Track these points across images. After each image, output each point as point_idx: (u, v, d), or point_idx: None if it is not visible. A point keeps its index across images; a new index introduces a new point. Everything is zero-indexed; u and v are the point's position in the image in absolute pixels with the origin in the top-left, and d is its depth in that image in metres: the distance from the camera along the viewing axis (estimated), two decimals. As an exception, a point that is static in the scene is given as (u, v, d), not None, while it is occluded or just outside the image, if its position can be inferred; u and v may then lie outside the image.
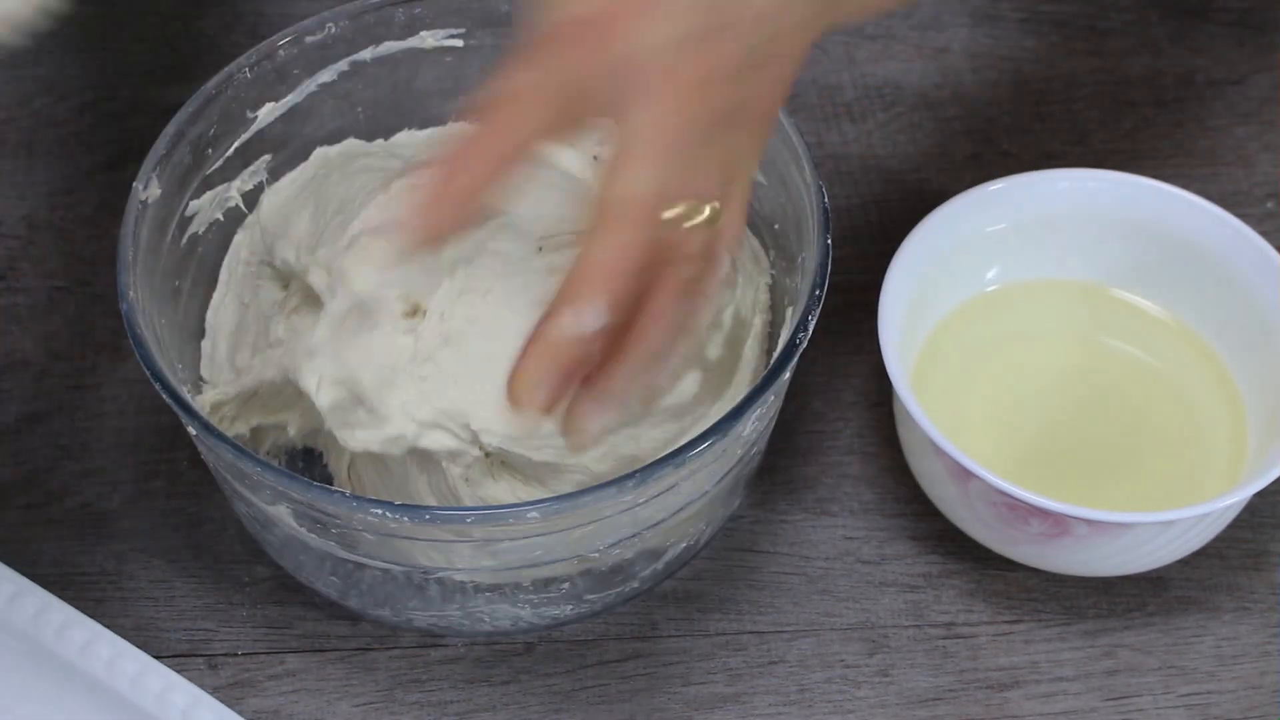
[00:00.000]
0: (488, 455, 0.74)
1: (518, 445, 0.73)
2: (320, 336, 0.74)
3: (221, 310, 0.82)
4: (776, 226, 0.81)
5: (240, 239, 0.83)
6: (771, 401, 0.75)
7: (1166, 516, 0.73)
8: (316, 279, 0.76)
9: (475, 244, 0.75)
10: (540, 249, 0.76)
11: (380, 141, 0.86)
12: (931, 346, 0.83)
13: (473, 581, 0.75)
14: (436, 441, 0.73)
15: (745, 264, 0.82)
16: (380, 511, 0.68)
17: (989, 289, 0.85)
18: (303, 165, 0.84)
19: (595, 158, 0.82)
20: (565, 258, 0.75)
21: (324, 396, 0.73)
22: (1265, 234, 0.82)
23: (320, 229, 0.79)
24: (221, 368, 0.80)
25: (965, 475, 0.74)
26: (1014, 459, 0.79)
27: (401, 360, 0.74)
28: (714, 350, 0.77)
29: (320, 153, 0.85)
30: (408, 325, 0.75)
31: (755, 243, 0.83)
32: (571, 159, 0.81)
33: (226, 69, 0.80)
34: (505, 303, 0.74)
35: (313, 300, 0.77)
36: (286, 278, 0.80)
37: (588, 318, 0.62)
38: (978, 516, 0.77)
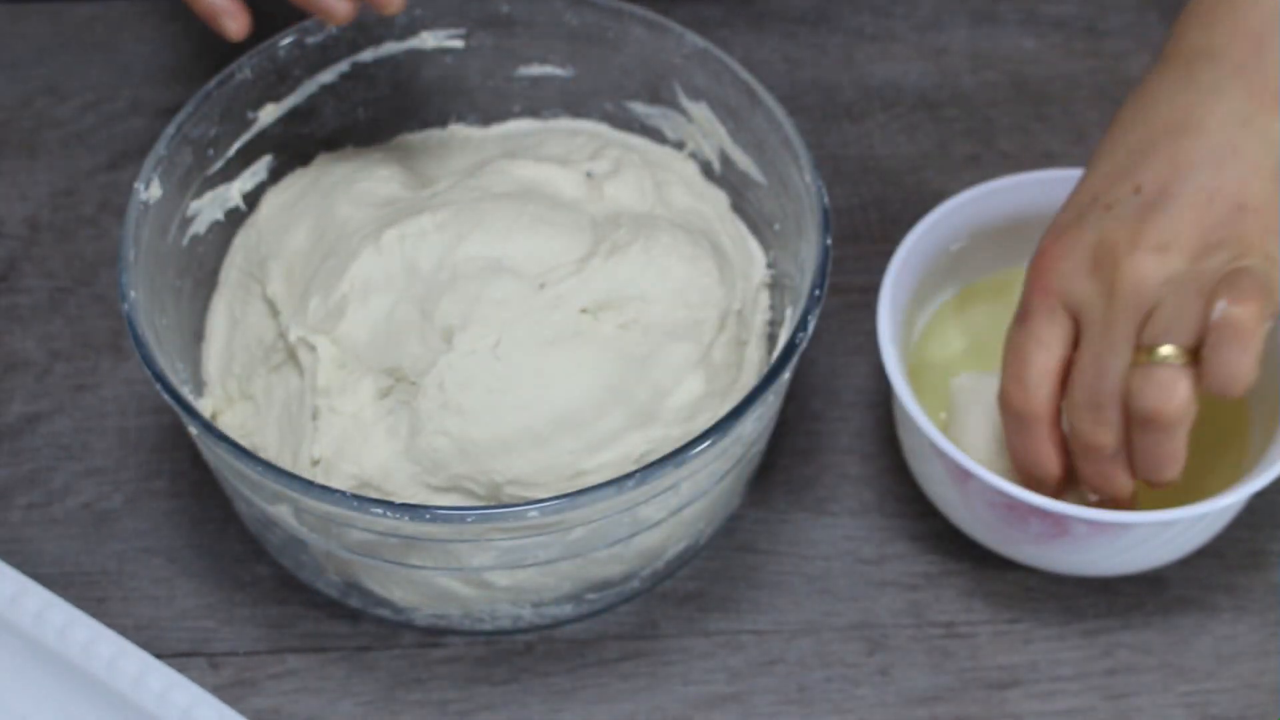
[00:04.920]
0: None
1: (549, 491, 0.73)
2: (321, 448, 0.75)
3: (216, 316, 0.82)
4: (776, 226, 0.81)
5: (239, 241, 0.83)
6: (771, 401, 0.75)
7: (1165, 517, 0.73)
8: (305, 358, 0.77)
9: (470, 300, 0.75)
10: (542, 285, 0.76)
11: (378, 154, 0.86)
12: (933, 348, 0.83)
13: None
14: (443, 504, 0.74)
15: (740, 263, 0.82)
16: (380, 511, 0.68)
17: (991, 288, 0.84)
18: (302, 170, 0.84)
19: (589, 174, 0.82)
20: (569, 288, 0.75)
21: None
22: (1264, 234, 0.82)
23: (312, 263, 0.79)
24: (214, 386, 0.80)
25: (964, 475, 0.75)
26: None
27: (399, 440, 0.74)
28: (719, 352, 0.77)
29: (323, 159, 0.85)
30: (389, 405, 0.75)
31: (754, 242, 0.84)
32: (564, 179, 0.81)
33: (227, 69, 0.80)
34: (517, 349, 0.74)
35: (295, 360, 0.77)
36: (274, 311, 0.80)
37: None
38: (977, 517, 0.77)
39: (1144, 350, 0.68)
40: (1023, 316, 0.71)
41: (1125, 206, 0.69)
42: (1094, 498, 0.73)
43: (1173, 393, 0.67)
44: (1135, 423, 0.69)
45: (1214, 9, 0.73)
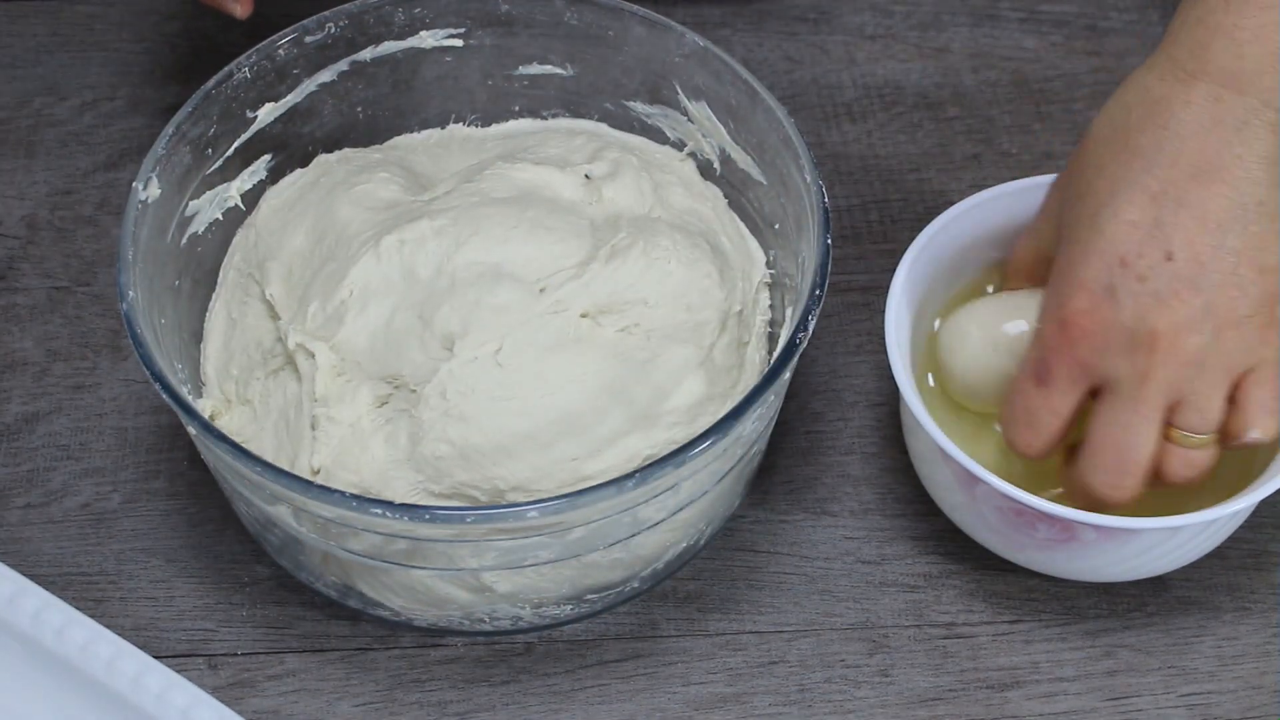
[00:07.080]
0: None
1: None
2: (321, 458, 0.75)
3: (215, 317, 0.82)
4: (776, 226, 0.81)
5: (237, 241, 0.83)
6: (771, 401, 0.75)
7: (1174, 522, 0.72)
8: (304, 365, 0.76)
9: (470, 306, 0.75)
10: (542, 290, 0.76)
11: (377, 155, 0.85)
12: (940, 354, 0.82)
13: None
14: None
15: (740, 263, 0.82)
16: (380, 511, 0.68)
17: (997, 292, 0.84)
18: (301, 171, 0.84)
19: (587, 177, 0.82)
20: (570, 292, 0.75)
21: None
22: (1265, 234, 0.82)
23: (312, 266, 0.79)
24: (212, 386, 0.80)
25: (972, 480, 0.74)
26: (1021, 464, 0.79)
27: (398, 448, 0.74)
28: (720, 354, 0.77)
29: (321, 160, 0.85)
30: (388, 414, 0.75)
31: (754, 242, 0.83)
32: (563, 182, 0.81)
33: (226, 69, 0.80)
34: (518, 355, 0.74)
35: (293, 365, 0.77)
36: (273, 314, 0.80)
37: None
38: (985, 522, 0.77)
39: (1174, 427, 0.72)
40: (1043, 378, 0.73)
41: (1160, 279, 0.70)
42: None
43: (1203, 467, 0.73)
44: (1162, 480, 0.73)
45: (1239, 25, 0.71)
